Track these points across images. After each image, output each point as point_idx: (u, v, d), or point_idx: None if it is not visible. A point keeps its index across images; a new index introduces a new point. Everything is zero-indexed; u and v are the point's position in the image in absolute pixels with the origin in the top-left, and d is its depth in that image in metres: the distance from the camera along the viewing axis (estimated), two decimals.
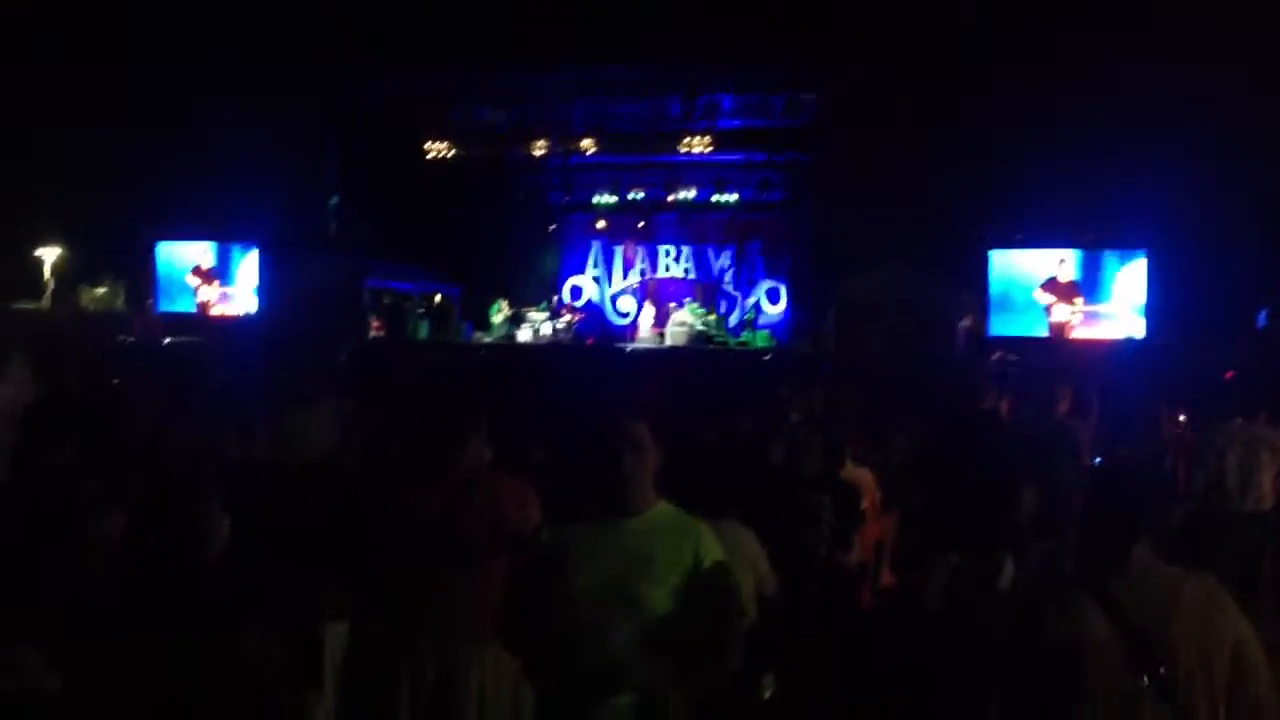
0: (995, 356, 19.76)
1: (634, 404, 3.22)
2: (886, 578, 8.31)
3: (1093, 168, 20.67)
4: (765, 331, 26.04)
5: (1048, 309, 21.90)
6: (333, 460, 4.73)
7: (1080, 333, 21.70)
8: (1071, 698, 2.75)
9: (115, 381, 10.49)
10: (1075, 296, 21.86)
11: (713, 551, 3.06)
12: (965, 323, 22.53)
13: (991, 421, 7.92)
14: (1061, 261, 21.97)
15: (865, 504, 7.13)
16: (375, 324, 25.88)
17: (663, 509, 3.12)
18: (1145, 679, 2.67)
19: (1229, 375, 12.82)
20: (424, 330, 26.55)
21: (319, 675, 3.69)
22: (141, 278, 29.52)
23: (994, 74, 21.24)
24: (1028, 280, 22.22)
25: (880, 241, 21.73)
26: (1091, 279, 21.95)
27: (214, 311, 27.33)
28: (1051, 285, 21.94)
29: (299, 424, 3.61)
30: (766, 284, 28.20)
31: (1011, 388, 10.56)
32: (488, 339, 25.85)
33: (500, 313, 26.43)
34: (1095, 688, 2.73)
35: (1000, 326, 22.21)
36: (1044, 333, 21.80)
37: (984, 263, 22.64)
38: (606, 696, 2.86)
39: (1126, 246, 21.81)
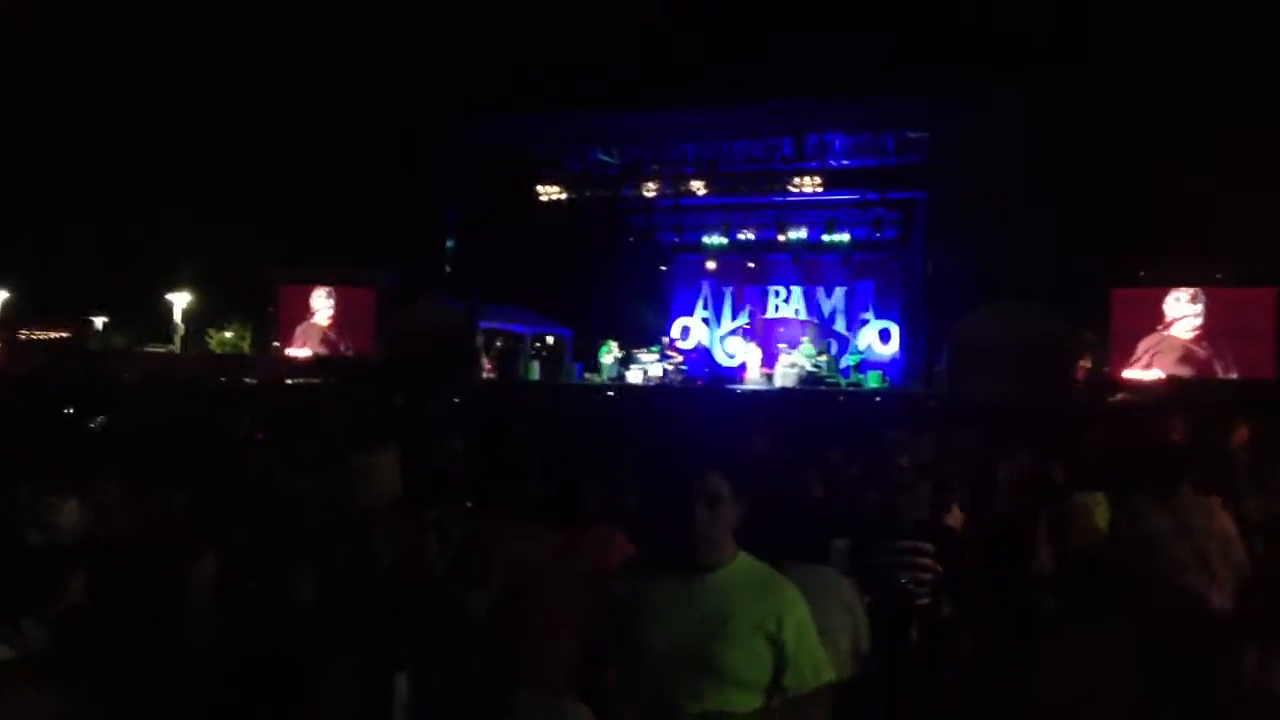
0: (1117, 398, 19.06)
1: (719, 452, 3.02)
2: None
3: (1219, 204, 19.95)
4: (877, 372, 25.66)
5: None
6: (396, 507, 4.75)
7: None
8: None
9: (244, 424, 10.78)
10: None
11: (799, 614, 2.89)
12: (1085, 363, 21.85)
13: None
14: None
15: None
16: (488, 365, 26.27)
17: (743, 563, 2.94)
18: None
19: None
20: (535, 371, 26.86)
21: None
22: (267, 321, 30.54)
23: (1114, 108, 20.71)
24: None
25: (996, 281, 21.19)
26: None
27: (333, 353, 28.09)
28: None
29: (362, 469, 3.61)
30: (878, 324, 27.84)
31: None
32: (598, 380, 26.02)
33: (610, 354, 26.60)
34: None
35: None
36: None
37: (1106, 301, 22.02)
38: None
39: (1254, 283, 21.05)
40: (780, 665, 2.84)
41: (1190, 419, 10.10)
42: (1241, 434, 8.81)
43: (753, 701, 2.84)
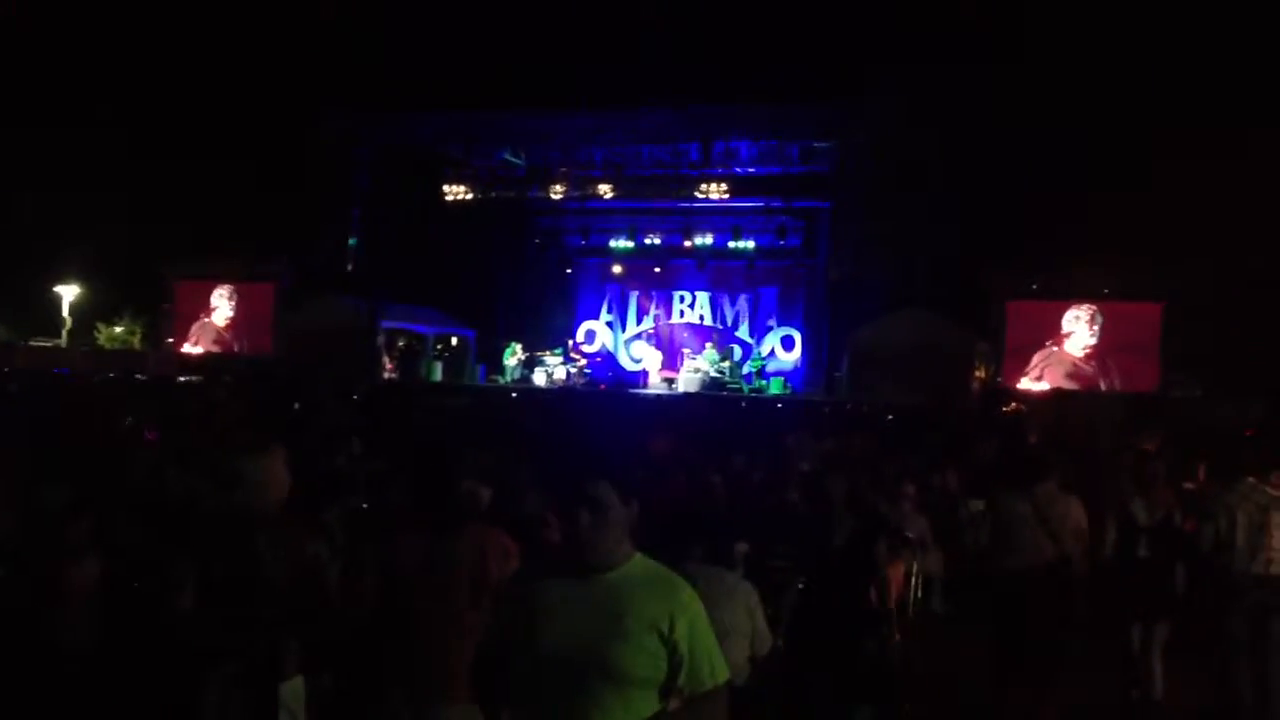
0: (1008, 408, 19.57)
1: (605, 459, 3.04)
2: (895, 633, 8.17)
3: (1112, 220, 20.65)
4: (779, 379, 25.93)
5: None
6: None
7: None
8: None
9: (126, 421, 10.45)
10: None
11: (693, 614, 2.90)
12: (979, 373, 22.41)
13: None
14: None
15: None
16: (389, 365, 25.91)
17: (638, 564, 2.96)
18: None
19: (1249, 432, 12.64)
20: (437, 372, 26.55)
21: None
22: (160, 316, 29.70)
23: (1015, 121, 21.31)
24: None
25: (896, 290, 21.65)
26: None
27: (227, 352, 27.45)
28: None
29: (251, 472, 3.52)
30: (781, 331, 28.16)
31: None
32: (501, 382, 25.85)
33: (514, 356, 26.43)
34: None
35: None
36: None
37: (1001, 313, 22.62)
38: None
39: (1143, 298, 21.83)
40: (675, 665, 2.85)
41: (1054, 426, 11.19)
42: (1152, 445, 9.18)
43: (650, 701, 2.84)
